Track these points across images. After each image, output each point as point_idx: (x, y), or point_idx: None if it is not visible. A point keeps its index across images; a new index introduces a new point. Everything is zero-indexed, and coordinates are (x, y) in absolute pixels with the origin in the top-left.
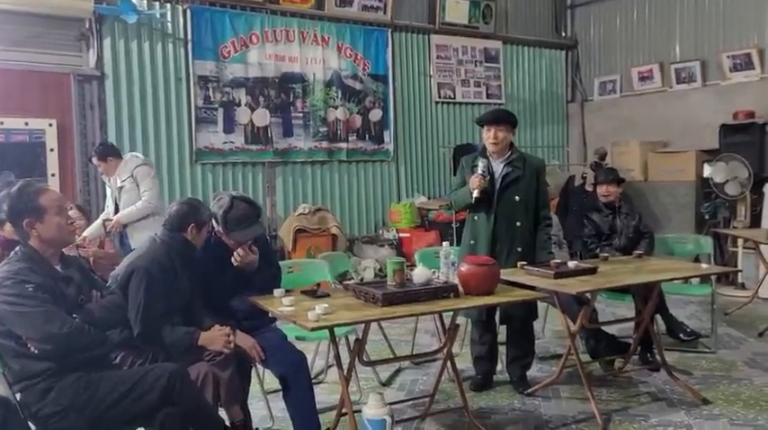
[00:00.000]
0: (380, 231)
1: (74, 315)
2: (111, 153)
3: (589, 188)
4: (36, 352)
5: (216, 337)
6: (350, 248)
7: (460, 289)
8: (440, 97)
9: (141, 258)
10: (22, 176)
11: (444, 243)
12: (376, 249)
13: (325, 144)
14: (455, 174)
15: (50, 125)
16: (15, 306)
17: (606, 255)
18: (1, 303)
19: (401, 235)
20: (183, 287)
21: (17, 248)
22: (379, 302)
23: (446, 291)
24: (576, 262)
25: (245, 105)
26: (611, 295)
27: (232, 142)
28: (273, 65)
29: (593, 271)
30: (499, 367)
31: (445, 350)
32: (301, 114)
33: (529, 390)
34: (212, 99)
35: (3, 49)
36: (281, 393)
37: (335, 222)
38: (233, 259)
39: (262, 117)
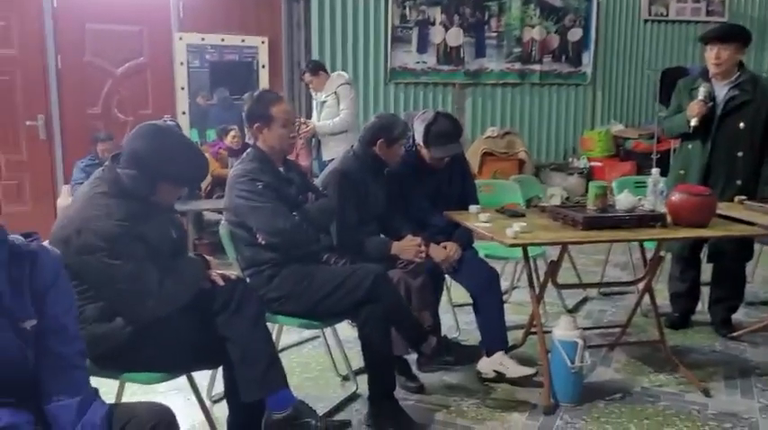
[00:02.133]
0: (570, 159)
1: (294, 213)
2: (322, 68)
3: None
4: (263, 242)
5: (407, 247)
6: (536, 175)
7: (669, 219)
8: (650, 14)
9: (335, 169)
10: (234, 93)
11: (653, 170)
12: (564, 177)
13: (518, 65)
14: (661, 102)
15: (263, 42)
16: (248, 200)
17: None
18: (236, 197)
19: (593, 164)
20: (376, 198)
21: (248, 150)
22: (579, 225)
23: (653, 219)
24: None
25: (440, 24)
26: None
27: (424, 62)
28: None
29: None
30: (699, 307)
31: (644, 282)
32: (495, 34)
33: (733, 334)
34: (408, 18)
35: None
36: (466, 307)
37: (523, 147)
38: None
39: (455, 36)
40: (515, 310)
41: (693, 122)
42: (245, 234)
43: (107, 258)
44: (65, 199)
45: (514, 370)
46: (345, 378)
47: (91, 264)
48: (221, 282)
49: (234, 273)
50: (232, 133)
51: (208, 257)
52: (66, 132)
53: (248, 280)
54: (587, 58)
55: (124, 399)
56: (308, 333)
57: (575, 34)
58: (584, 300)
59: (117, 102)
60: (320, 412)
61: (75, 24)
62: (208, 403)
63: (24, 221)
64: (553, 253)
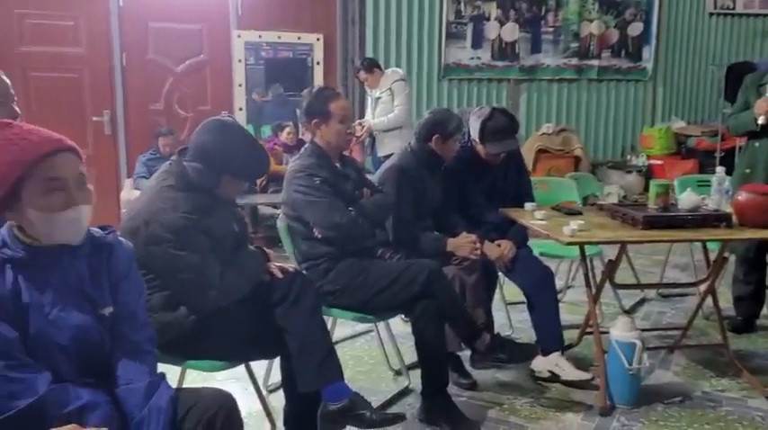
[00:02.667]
0: (628, 156)
1: (350, 208)
2: (376, 65)
3: None
4: (319, 236)
5: (462, 244)
6: (593, 172)
7: (734, 219)
8: (715, 7)
9: (393, 165)
10: (288, 89)
11: (718, 168)
12: (622, 175)
13: (574, 61)
14: (726, 97)
15: (318, 39)
16: (306, 195)
17: None
18: (294, 192)
19: (652, 162)
20: (432, 194)
21: (306, 145)
22: (639, 224)
23: (718, 219)
24: None
25: (495, 20)
26: None
27: (479, 58)
28: None
29: None
30: (764, 311)
31: (706, 284)
32: (552, 29)
33: None
34: (463, 13)
35: None
36: (519, 305)
37: (579, 144)
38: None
39: (510, 32)
40: (570, 310)
41: (761, 121)
42: (302, 228)
43: (173, 249)
44: (128, 192)
45: (570, 372)
46: (398, 372)
47: (157, 254)
48: (280, 275)
49: (292, 265)
50: (287, 130)
51: (267, 250)
52: (129, 127)
53: (305, 273)
54: (648, 52)
55: (185, 386)
56: (361, 327)
57: (635, 28)
58: (642, 301)
59: (178, 98)
60: (373, 405)
61: (139, 23)
62: (264, 392)
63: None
64: (610, 252)
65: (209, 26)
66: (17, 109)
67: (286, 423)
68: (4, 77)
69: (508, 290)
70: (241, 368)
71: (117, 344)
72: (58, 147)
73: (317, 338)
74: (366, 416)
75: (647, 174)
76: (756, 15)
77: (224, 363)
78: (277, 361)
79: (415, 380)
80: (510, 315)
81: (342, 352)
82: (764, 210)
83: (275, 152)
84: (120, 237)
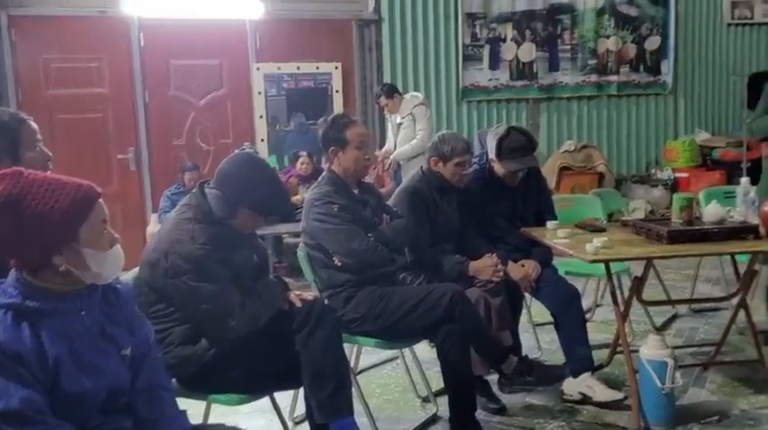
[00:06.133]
0: (653, 170)
1: (369, 234)
2: (396, 91)
3: None
4: (339, 264)
5: (484, 267)
6: (617, 188)
7: (762, 230)
8: (733, 18)
9: (404, 187)
10: (310, 118)
11: (742, 179)
12: (647, 190)
13: (593, 77)
14: (749, 107)
15: (336, 68)
16: (324, 223)
17: None
18: (312, 220)
19: (677, 175)
20: (447, 217)
21: (324, 173)
22: (663, 239)
23: (744, 231)
24: None
25: (511, 40)
26: None
27: (497, 79)
28: None
29: None
30: None
31: (737, 298)
32: (569, 47)
33: None
34: (479, 36)
35: (298, 0)
36: (547, 326)
37: (602, 160)
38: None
39: (527, 52)
40: (600, 329)
41: None
42: (322, 256)
43: (192, 280)
44: (153, 227)
45: (602, 393)
46: (425, 399)
47: (177, 286)
48: (299, 304)
49: (312, 293)
50: (301, 159)
51: (286, 279)
52: (153, 163)
53: (326, 301)
54: (667, 66)
55: (211, 420)
56: (387, 354)
57: (653, 43)
58: (674, 318)
59: (200, 132)
60: None
61: (160, 61)
62: (290, 424)
63: None
64: (638, 268)
65: (229, 60)
66: (47, 151)
67: None
68: (32, 123)
69: (536, 311)
70: (266, 400)
71: (136, 383)
72: (100, 192)
73: (328, 369)
74: None
75: (674, 187)
76: None
77: (247, 396)
78: (302, 391)
79: (442, 406)
80: (538, 336)
81: (368, 380)
82: None
83: (290, 185)
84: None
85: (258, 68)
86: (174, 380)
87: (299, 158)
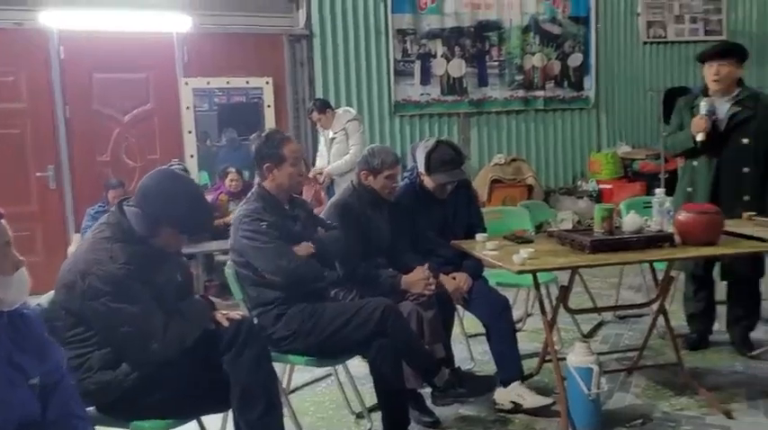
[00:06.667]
0: (579, 182)
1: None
2: (328, 106)
3: None
4: (269, 279)
5: (416, 281)
6: (546, 200)
7: (677, 238)
8: (648, 37)
9: (335, 202)
10: (242, 133)
11: (658, 190)
12: (574, 201)
13: (521, 92)
14: (665, 121)
15: (267, 83)
16: (252, 241)
17: None
18: (241, 237)
19: (601, 186)
20: (379, 231)
21: (253, 189)
22: (586, 249)
23: (661, 240)
24: None
25: (441, 56)
26: None
27: (428, 94)
28: (469, 13)
29: None
30: (716, 327)
31: (657, 303)
32: (497, 63)
33: (754, 352)
34: (409, 52)
35: (228, 14)
36: (480, 337)
37: (531, 172)
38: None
39: (457, 67)
40: (531, 338)
41: (700, 137)
42: (251, 274)
43: (112, 302)
44: (75, 247)
45: (532, 400)
46: (359, 415)
47: (96, 308)
48: (226, 323)
49: (239, 313)
50: (230, 176)
51: (213, 299)
52: (76, 181)
53: (256, 320)
54: (589, 82)
55: None
56: (320, 371)
57: (575, 60)
58: (600, 325)
59: (125, 148)
60: None
61: (82, 75)
62: None
63: (37, 272)
64: (566, 278)
65: (156, 75)
66: None
67: None
68: None
69: (469, 322)
70: (194, 424)
71: (48, 413)
72: (2, 212)
73: (258, 390)
74: None
75: (598, 198)
76: (687, 43)
77: (173, 421)
78: (231, 414)
79: (377, 422)
80: (471, 347)
81: (301, 398)
82: (705, 227)
83: (220, 203)
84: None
85: (186, 83)
86: (93, 407)
87: (227, 175)
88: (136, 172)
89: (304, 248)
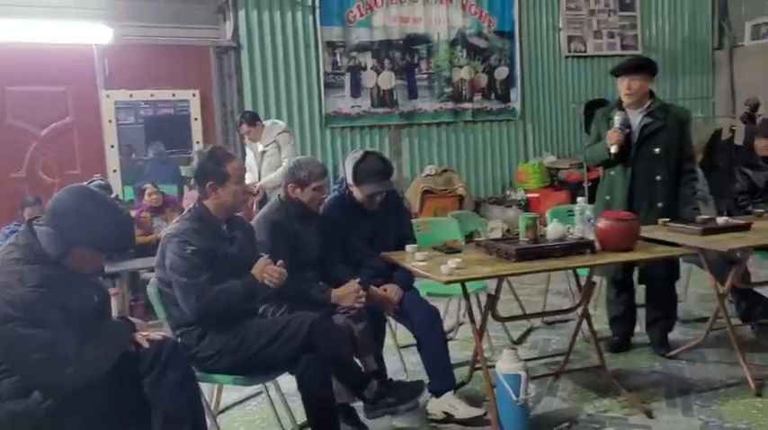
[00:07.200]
0: (508, 192)
1: (233, 273)
2: (257, 118)
3: (739, 142)
4: None
5: (346, 294)
6: (476, 209)
7: (597, 245)
8: (569, 51)
9: (263, 216)
10: (170, 146)
11: (579, 199)
12: (503, 210)
13: (450, 104)
14: (587, 131)
15: (194, 95)
16: (173, 265)
17: (761, 210)
18: (167, 257)
19: (529, 195)
20: (307, 244)
21: (191, 206)
22: (512, 258)
23: (582, 247)
24: (725, 218)
25: (371, 69)
26: (766, 255)
27: (359, 106)
28: (398, 27)
29: (746, 227)
30: (637, 329)
31: (581, 308)
32: (426, 76)
33: (671, 353)
34: (339, 64)
35: (151, 25)
36: (412, 348)
37: (462, 183)
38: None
39: (387, 80)
40: (463, 347)
41: (613, 150)
42: (173, 293)
43: (22, 328)
44: None
45: (463, 411)
46: None
47: (4, 335)
48: (146, 345)
49: (161, 333)
50: (148, 190)
51: (133, 319)
52: None
53: (179, 340)
54: (515, 94)
55: None
56: (250, 389)
57: (501, 73)
58: (529, 331)
59: (43, 164)
60: None
61: None
62: None
63: None
64: (494, 286)
65: (75, 87)
66: None
67: None
68: None
69: (401, 334)
70: None
71: None
72: None
73: (184, 412)
74: None
75: (526, 207)
76: (606, 56)
77: None
78: None
79: None
80: (404, 358)
81: (231, 418)
82: (622, 234)
83: (143, 221)
84: None
85: (108, 95)
86: None
87: (144, 191)
88: (54, 188)
89: (262, 265)
